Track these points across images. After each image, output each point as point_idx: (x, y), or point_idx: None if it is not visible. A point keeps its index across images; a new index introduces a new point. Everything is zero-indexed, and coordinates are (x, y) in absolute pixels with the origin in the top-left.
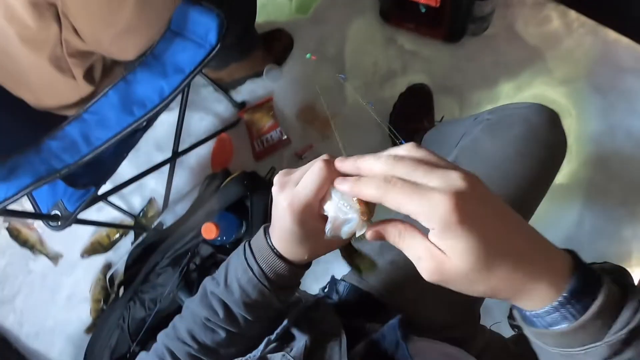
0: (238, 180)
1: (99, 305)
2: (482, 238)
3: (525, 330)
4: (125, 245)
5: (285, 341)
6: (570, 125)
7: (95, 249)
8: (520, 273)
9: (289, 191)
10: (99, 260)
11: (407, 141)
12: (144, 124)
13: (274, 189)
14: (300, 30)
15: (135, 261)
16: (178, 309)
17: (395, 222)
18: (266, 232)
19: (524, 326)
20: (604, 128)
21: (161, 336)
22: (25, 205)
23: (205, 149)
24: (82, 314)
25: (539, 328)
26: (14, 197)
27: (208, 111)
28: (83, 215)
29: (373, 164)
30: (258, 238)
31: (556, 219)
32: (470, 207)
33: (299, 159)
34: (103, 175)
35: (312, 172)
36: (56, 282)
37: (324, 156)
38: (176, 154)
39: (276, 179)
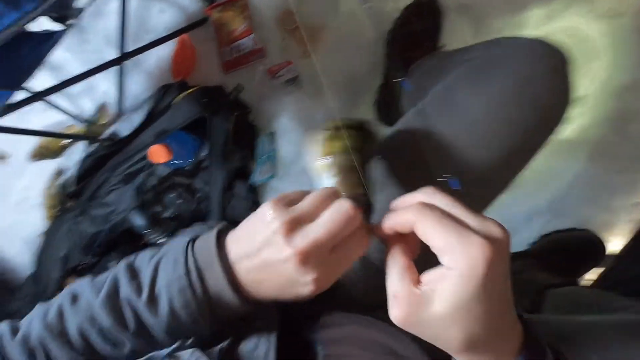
0: (194, 97)
1: (54, 211)
2: (483, 295)
3: None
4: (78, 152)
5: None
6: (597, 70)
7: (43, 153)
8: (487, 337)
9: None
10: (50, 165)
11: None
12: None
13: (282, 236)
14: None
15: (87, 173)
16: (132, 228)
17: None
18: (220, 248)
19: None
20: (637, 84)
21: (37, 325)
22: None
23: (166, 50)
24: (35, 218)
25: None
26: None
27: (171, 2)
28: (25, 118)
29: (411, 196)
30: (208, 253)
31: (547, 177)
32: (497, 265)
33: (273, 77)
34: (19, 77)
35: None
36: (5, 184)
37: (349, 211)
38: (125, 55)
39: (280, 219)
